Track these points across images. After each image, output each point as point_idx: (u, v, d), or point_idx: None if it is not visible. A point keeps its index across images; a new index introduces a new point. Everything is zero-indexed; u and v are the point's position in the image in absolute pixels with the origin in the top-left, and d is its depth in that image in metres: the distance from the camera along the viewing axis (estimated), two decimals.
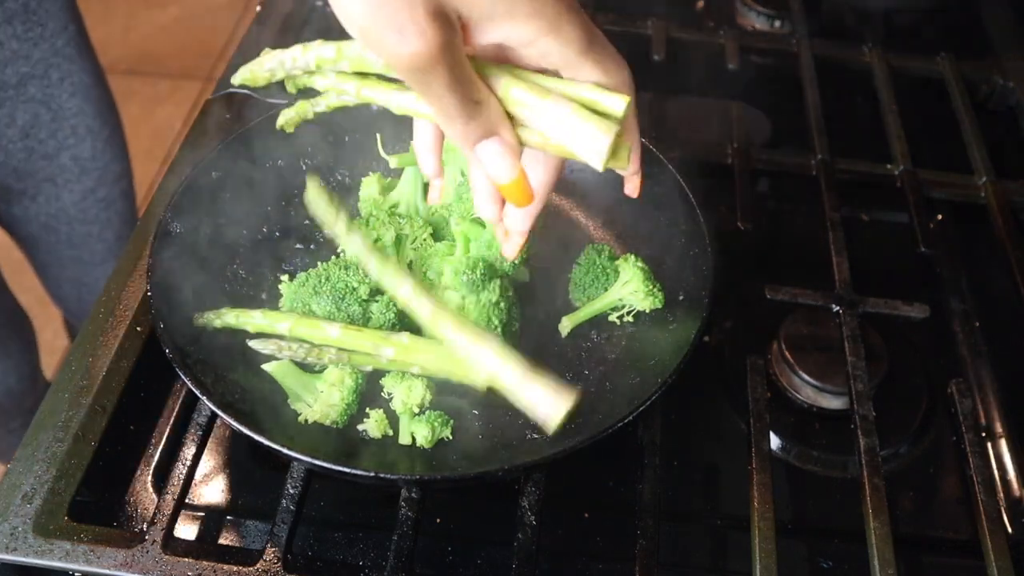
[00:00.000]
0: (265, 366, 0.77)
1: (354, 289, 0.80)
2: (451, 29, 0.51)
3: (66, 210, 1.35)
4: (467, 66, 0.54)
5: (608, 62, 0.58)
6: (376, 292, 0.81)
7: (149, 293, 0.75)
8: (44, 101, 1.22)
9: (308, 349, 0.78)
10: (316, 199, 0.79)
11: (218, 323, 0.78)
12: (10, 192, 1.29)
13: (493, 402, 0.79)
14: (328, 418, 0.76)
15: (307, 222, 0.92)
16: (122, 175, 1.41)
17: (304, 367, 0.79)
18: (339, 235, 0.78)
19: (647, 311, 0.83)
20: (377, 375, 0.79)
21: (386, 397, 0.78)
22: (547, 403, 0.66)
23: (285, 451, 0.66)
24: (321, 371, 0.79)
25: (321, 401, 0.76)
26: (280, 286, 0.84)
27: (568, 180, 0.95)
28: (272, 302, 0.85)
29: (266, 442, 0.67)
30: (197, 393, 0.69)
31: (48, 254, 1.45)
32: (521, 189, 0.61)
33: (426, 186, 0.91)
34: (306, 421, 0.76)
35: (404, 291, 0.74)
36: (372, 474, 0.67)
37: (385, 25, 0.50)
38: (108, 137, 1.35)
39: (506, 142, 0.58)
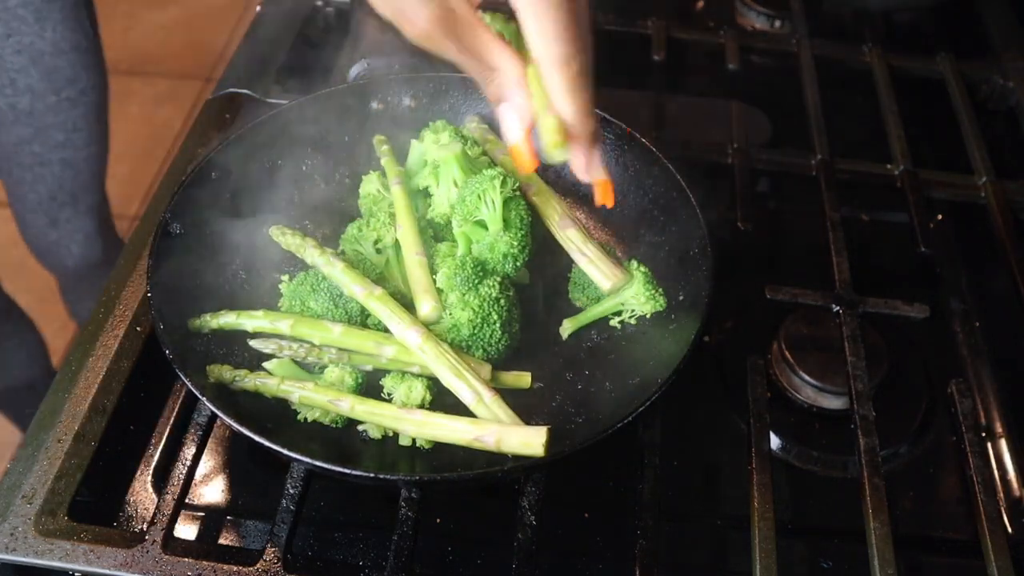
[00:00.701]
0: (266, 364, 0.78)
1: None
2: (444, 6, 0.61)
3: (3, 147, 1.41)
4: (474, 35, 0.63)
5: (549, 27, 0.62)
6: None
7: (149, 294, 0.75)
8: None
9: (308, 348, 0.78)
10: (280, 239, 0.82)
11: (215, 324, 0.78)
12: None
13: None
14: (328, 417, 0.76)
15: (306, 223, 0.92)
16: (64, 145, 1.44)
17: (304, 366, 0.79)
18: (318, 265, 0.80)
19: (644, 325, 0.83)
20: (377, 375, 0.79)
21: (386, 397, 0.78)
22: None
23: (285, 452, 0.66)
24: (321, 371, 0.79)
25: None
26: (280, 286, 0.84)
27: (568, 181, 0.95)
28: (272, 302, 0.85)
29: (266, 443, 0.67)
30: (196, 394, 0.69)
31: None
32: (520, 153, 0.68)
33: (424, 189, 0.91)
34: (306, 420, 0.76)
35: (393, 324, 0.78)
36: (372, 475, 0.67)
37: (393, 10, 0.62)
38: (55, 104, 1.38)
39: (515, 107, 0.66)
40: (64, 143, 1.44)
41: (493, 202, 0.81)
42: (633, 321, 0.84)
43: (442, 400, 0.78)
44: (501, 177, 0.81)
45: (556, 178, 0.96)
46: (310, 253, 0.81)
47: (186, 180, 0.83)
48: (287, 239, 0.83)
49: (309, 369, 0.79)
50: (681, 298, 0.83)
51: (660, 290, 0.83)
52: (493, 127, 0.96)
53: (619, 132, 0.91)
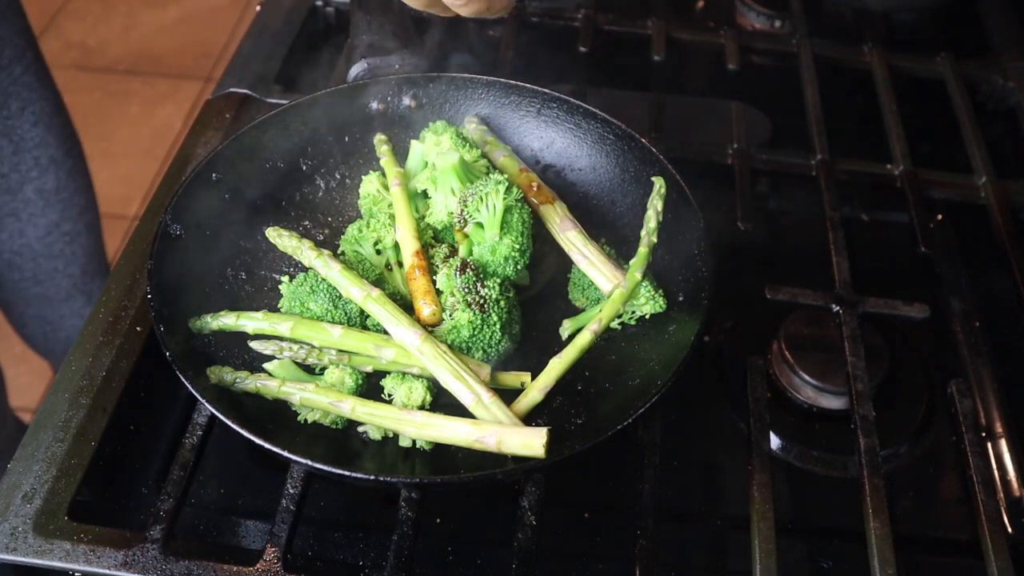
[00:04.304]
0: (266, 365, 0.78)
1: None
2: None
3: (31, 245, 1.31)
4: None
5: None
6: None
7: (149, 295, 0.75)
8: (5, 133, 1.18)
9: (309, 350, 0.78)
10: (277, 240, 0.82)
11: (215, 325, 0.78)
12: None
13: None
14: (328, 418, 0.76)
15: (306, 223, 0.92)
16: (87, 208, 1.37)
17: (305, 368, 0.79)
18: (315, 267, 0.79)
19: (644, 326, 0.83)
20: (378, 375, 0.79)
21: (386, 398, 0.78)
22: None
23: (285, 454, 0.66)
24: (321, 372, 0.79)
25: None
26: (280, 287, 0.84)
27: (567, 181, 0.95)
28: (273, 303, 0.85)
29: (266, 445, 0.66)
30: (196, 396, 0.69)
31: (12, 292, 1.40)
32: None
33: (423, 192, 0.91)
34: (306, 421, 0.76)
35: (391, 326, 0.77)
36: (372, 477, 0.67)
37: None
38: (72, 168, 1.31)
39: None
40: (86, 206, 1.35)
41: (494, 207, 0.81)
42: (633, 322, 0.84)
43: (442, 401, 0.78)
44: (506, 184, 0.81)
45: (556, 178, 0.96)
46: (307, 255, 0.81)
47: (186, 180, 0.83)
48: (283, 240, 0.83)
49: (310, 370, 0.79)
50: (681, 299, 0.83)
51: (660, 291, 0.83)
52: (492, 128, 0.96)
53: (619, 132, 0.91)
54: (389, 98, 0.95)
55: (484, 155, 0.92)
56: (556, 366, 0.77)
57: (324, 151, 0.94)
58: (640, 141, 0.89)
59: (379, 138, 0.94)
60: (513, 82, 0.95)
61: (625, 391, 0.78)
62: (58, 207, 1.30)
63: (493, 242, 0.82)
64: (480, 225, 0.82)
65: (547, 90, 0.94)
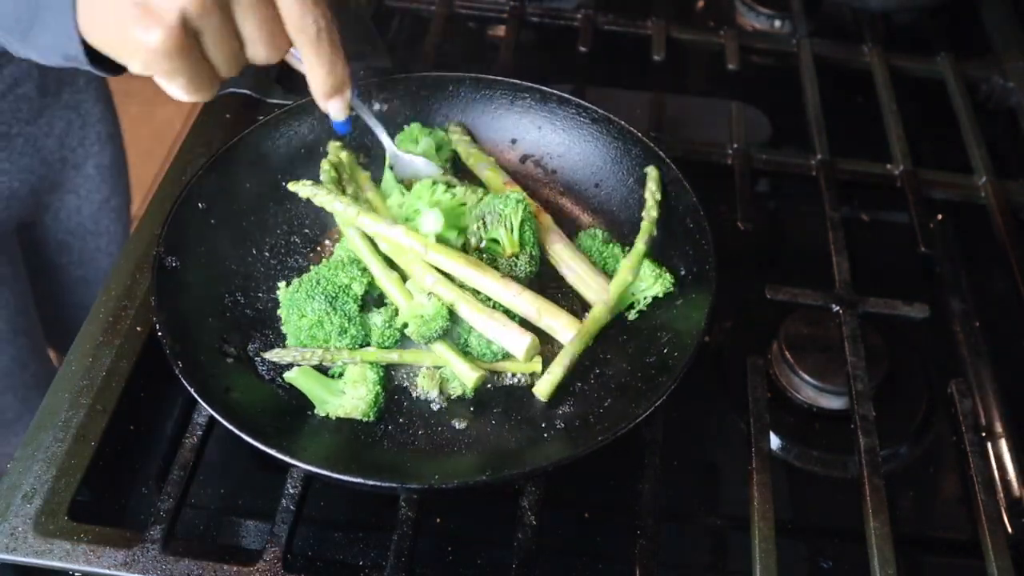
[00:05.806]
0: (287, 375, 0.77)
1: (347, 287, 0.80)
2: None
3: (84, 224, 1.31)
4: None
5: None
6: (371, 301, 0.82)
7: (154, 301, 0.74)
8: (75, 106, 1.19)
9: (323, 354, 0.78)
10: (302, 191, 0.85)
11: (305, 193, 0.84)
12: (38, 209, 1.23)
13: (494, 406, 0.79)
14: (359, 411, 0.76)
15: (305, 230, 0.92)
16: (127, 185, 1.38)
17: (323, 371, 0.79)
18: (336, 212, 0.82)
19: (651, 304, 0.83)
20: (395, 376, 0.79)
21: (420, 392, 0.79)
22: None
23: (285, 459, 0.66)
24: (340, 376, 0.79)
25: (349, 397, 0.77)
26: (276, 293, 0.83)
27: (548, 169, 0.96)
28: (273, 306, 0.85)
29: (265, 448, 0.66)
30: (199, 400, 0.69)
31: (55, 280, 1.38)
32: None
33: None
34: (332, 416, 0.77)
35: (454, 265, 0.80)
36: (371, 483, 0.67)
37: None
38: (121, 144, 1.33)
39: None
40: (127, 183, 1.36)
41: (512, 224, 0.82)
42: (645, 306, 0.84)
43: (451, 407, 0.78)
44: (524, 203, 0.83)
45: (536, 167, 0.96)
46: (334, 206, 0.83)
47: (186, 187, 0.83)
48: (311, 191, 0.84)
49: (328, 375, 0.80)
50: (683, 272, 0.83)
51: (663, 268, 0.83)
52: (468, 125, 0.96)
53: (595, 116, 0.92)
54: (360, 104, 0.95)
55: (468, 167, 0.92)
56: (574, 342, 0.79)
57: (298, 167, 0.92)
58: (618, 123, 0.91)
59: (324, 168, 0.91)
60: (482, 76, 0.95)
61: (630, 390, 0.78)
62: (111, 182, 1.31)
63: (513, 258, 0.83)
64: (495, 240, 0.83)
65: (516, 80, 0.94)
